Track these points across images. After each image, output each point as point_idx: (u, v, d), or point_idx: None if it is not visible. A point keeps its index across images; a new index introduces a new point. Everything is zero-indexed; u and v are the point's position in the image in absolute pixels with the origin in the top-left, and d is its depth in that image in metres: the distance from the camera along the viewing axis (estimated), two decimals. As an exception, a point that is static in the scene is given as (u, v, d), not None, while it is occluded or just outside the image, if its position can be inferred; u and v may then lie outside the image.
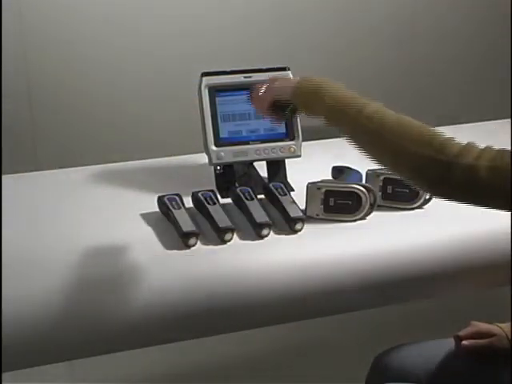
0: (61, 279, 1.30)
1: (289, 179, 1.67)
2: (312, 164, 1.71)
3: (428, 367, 1.44)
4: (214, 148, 1.61)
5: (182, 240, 1.40)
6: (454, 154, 1.07)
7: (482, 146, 1.09)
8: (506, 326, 1.46)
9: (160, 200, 1.52)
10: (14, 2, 2.36)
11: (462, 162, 1.06)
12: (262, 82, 1.40)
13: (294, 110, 1.37)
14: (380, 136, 1.15)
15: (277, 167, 1.68)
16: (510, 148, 1.08)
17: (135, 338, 1.30)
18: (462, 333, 1.46)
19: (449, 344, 1.47)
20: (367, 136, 1.17)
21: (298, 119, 1.66)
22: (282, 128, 1.66)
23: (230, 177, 1.65)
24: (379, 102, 1.21)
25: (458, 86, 3.01)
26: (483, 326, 1.46)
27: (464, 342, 1.44)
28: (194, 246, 1.41)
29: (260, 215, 1.45)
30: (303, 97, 1.29)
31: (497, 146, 1.09)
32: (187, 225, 1.43)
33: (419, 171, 1.11)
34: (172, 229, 1.46)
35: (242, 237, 1.44)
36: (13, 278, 1.27)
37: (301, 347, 2.39)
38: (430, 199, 1.52)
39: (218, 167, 1.66)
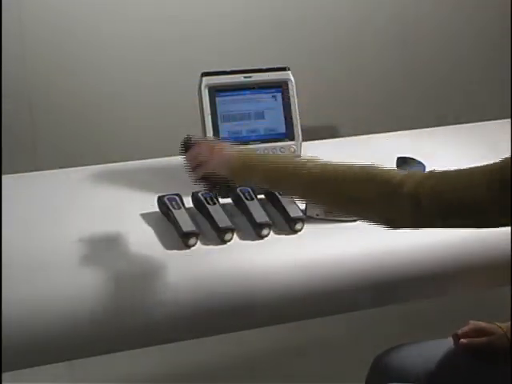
0: (60, 279, 1.30)
1: (289, 179, 1.67)
2: (312, 164, 1.71)
3: (428, 367, 1.44)
4: (214, 148, 1.61)
5: (182, 240, 1.40)
6: (397, 185, 1.11)
7: (426, 171, 1.13)
8: (504, 325, 1.46)
9: (160, 200, 1.52)
10: (14, 2, 2.36)
11: (404, 193, 1.09)
12: (200, 146, 1.36)
13: (230, 188, 1.36)
14: (324, 187, 1.18)
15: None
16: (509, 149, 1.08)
17: (135, 338, 1.30)
18: (460, 331, 1.46)
19: (448, 344, 1.47)
20: (313, 190, 1.20)
21: (298, 119, 1.66)
22: (281, 128, 1.66)
23: (230, 177, 1.65)
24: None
25: (458, 87, 3.01)
26: (482, 325, 1.47)
27: (462, 340, 1.44)
28: (193, 245, 1.41)
29: (260, 215, 1.45)
30: (240, 177, 1.29)
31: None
32: (187, 225, 1.43)
33: (372, 211, 1.15)
34: (172, 229, 1.46)
35: (242, 237, 1.44)
36: (13, 279, 1.27)
37: (301, 347, 2.39)
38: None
39: (218, 167, 1.66)
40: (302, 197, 1.23)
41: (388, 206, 1.13)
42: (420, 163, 1.69)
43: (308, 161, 1.19)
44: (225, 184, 1.33)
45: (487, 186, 1.07)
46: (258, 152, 1.30)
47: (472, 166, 1.10)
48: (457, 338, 1.46)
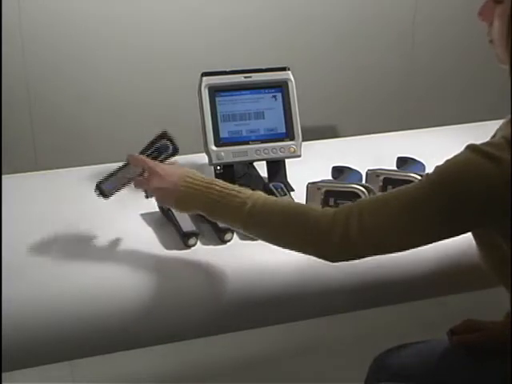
0: (60, 279, 1.30)
1: (289, 179, 1.67)
2: (312, 164, 1.71)
3: (427, 367, 1.44)
4: (213, 148, 1.61)
5: (182, 240, 1.40)
6: (325, 228, 1.17)
7: (352, 203, 1.20)
8: (500, 322, 1.46)
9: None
10: (14, 2, 2.36)
11: (336, 231, 1.16)
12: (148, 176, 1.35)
13: None
14: (261, 225, 1.23)
15: (277, 167, 1.68)
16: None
17: (135, 338, 1.30)
18: (455, 327, 1.47)
19: (448, 344, 1.47)
20: (252, 226, 1.24)
21: (298, 119, 1.66)
22: (281, 128, 1.66)
23: (230, 177, 1.65)
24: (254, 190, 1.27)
25: (458, 87, 3.01)
26: (475, 321, 1.47)
27: (457, 336, 1.44)
28: (193, 245, 1.41)
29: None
30: (183, 209, 1.31)
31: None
32: (187, 225, 1.43)
33: (309, 249, 1.21)
34: (172, 229, 1.46)
35: (242, 237, 1.44)
36: (13, 278, 1.27)
37: (301, 347, 2.39)
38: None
39: (218, 167, 1.66)
40: (243, 231, 1.27)
41: (321, 250, 1.20)
42: (420, 163, 1.69)
43: (248, 197, 1.23)
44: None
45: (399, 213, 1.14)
46: (197, 175, 1.31)
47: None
48: (451, 333, 1.46)
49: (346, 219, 1.16)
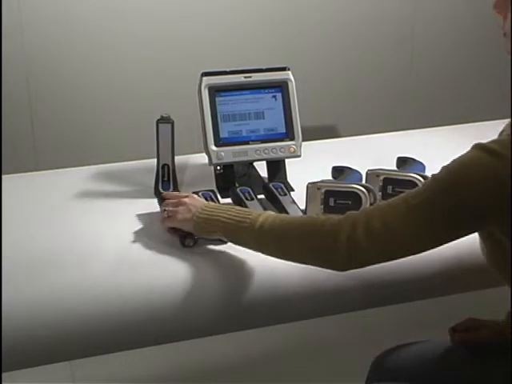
0: (60, 279, 1.30)
1: (289, 179, 1.67)
2: (312, 164, 1.71)
3: (428, 367, 1.44)
4: (213, 148, 1.61)
5: (181, 240, 1.40)
6: (333, 233, 1.18)
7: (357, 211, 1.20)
8: (501, 321, 1.46)
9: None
10: (14, 2, 2.36)
11: (342, 239, 1.16)
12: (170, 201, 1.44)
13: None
14: (272, 242, 1.26)
15: (277, 167, 1.68)
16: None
17: (136, 338, 1.30)
18: (456, 325, 1.47)
19: (448, 344, 1.47)
20: (264, 244, 1.28)
21: (298, 119, 1.66)
22: (281, 128, 1.66)
23: (230, 177, 1.65)
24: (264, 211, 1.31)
25: (459, 87, 3.01)
26: (478, 321, 1.47)
27: (458, 334, 1.45)
28: (193, 246, 1.41)
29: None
30: (202, 232, 1.36)
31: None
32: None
33: (315, 258, 1.23)
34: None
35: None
36: (13, 278, 1.27)
37: (301, 347, 2.39)
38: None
39: (218, 167, 1.66)
40: (256, 249, 1.30)
41: (329, 260, 1.21)
42: (420, 163, 1.69)
43: (260, 215, 1.27)
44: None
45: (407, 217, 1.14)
46: (216, 206, 1.37)
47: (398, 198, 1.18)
48: (453, 331, 1.46)
49: (352, 225, 1.16)
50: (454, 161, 1.15)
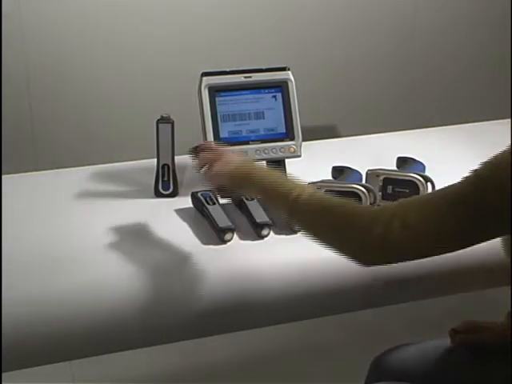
0: (60, 279, 1.30)
1: (289, 179, 1.67)
2: (312, 164, 1.71)
3: (428, 367, 1.44)
4: (214, 148, 1.61)
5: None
6: (366, 227, 1.13)
7: (394, 203, 1.15)
8: (501, 322, 1.46)
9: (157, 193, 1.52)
10: (14, 2, 2.36)
11: (375, 233, 1.12)
12: (206, 152, 1.40)
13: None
14: (304, 218, 1.23)
15: (277, 167, 1.68)
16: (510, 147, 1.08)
17: (136, 338, 1.30)
18: (456, 327, 1.47)
19: (448, 344, 1.47)
20: (295, 217, 1.25)
21: (298, 119, 1.66)
22: (281, 128, 1.66)
23: (230, 177, 1.65)
24: (304, 182, 1.27)
25: (459, 87, 3.01)
26: (478, 322, 1.47)
27: (459, 336, 1.45)
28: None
29: (260, 215, 1.45)
30: (237, 187, 1.34)
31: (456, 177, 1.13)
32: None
33: (345, 248, 1.18)
34: (172, 230, 1.46)
35: (242, 237, 1.44)
36: (13, 278, 1.27)
37: (301, 347, 2.39)
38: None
39: (218, 167, 1.66)
40: (287, 219, 1.30)
41: (359, 250, 1.17)
42: (420, 163, 1.69)
43: (298, 186, 1.24)
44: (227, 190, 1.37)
45: (451, 212, 1.10)
46: (258, 163, 1.36)
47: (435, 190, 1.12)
48: (453, 333, 1.46)
49: (389, 218, 1.12)
50: (496, 156, 1.10)
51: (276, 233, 1.45)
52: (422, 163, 1.70)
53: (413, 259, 1.16)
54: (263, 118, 1.65)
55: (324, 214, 1.20)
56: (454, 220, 1.10)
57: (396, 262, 1.17)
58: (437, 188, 1.41)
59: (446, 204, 1.11)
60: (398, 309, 1.59)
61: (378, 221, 1.13)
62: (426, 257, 1.16)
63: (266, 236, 1.43)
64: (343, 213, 1.18)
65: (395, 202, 1.16)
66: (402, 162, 1.73)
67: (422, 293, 1.47)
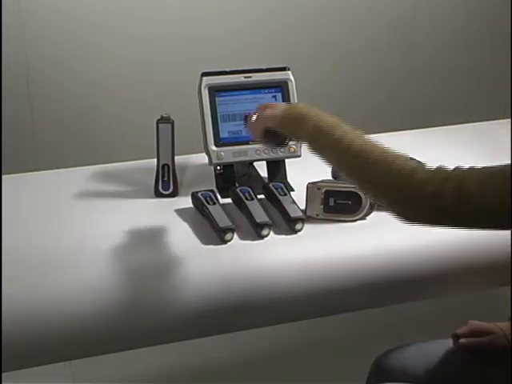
0: (60, 279, 1.30)
1: (289, 179, 1.67)
2: (312, 164, 1.71)
3: (428, 367, 1.44)
4: (213, 148, 1.61)
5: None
6: (420, 183, 1.09)
7: (451, 167, 1.10)
8: (503, 324, 1.46)
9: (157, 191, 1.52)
10: (14, 2, 2.36)
11: (427, 191, 1.07)
12: (254, 111, 1.40)
13: (289, 138, 1.38)
14: (354, 165, 1.18)
15: (277, 167, 1.68)
16: (509, 147, 1.07)
17: (136, 338, 1.30)
18: (459, 331, 1.47)
19: (449, 344, 1.47)
20: (345, 164, 1.20)
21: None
22: (281, 128, 1.65)
23: (230, 177, 1.65)
24: (358, 128, 1.22)
25: (458, 86, 3.01)
26: (481, 325, 1.47)
27: (462, 340, 1.44)
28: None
29: (260, 215, 1.45)
30: (288, 126, 1.30)
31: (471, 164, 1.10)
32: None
33: (392, 200, 1.13)
34: (172, 230, 1.46)
35: (242, 237, 1.44)
36: (13, 278, 1.27)
37: (301, 347, 2.39)
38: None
39: (218, 167, 1.66)
40: (335, 167, 1.24)
41: (407, 205, 1.11)
42: (420, 163, 1.69)
43: (349, 133, 1.20)
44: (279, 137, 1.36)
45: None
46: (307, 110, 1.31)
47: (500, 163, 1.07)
48: (456, 337, 1.46)
49: (442, 182, 1.07)
50: None
51: (276, 233, 1.45)
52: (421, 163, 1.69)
53: (459, 227, 1.11)
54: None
55: (374, 172, 1.15)
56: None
57: (439, 225, 1.12)
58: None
59: (508, 180, 1.04)
60: (398, 309, 1.59)
61: (430, 183, 1.08)
62: (473, 228, 1.11)
63: (266, 236, 1.43)
64: (396, 173, 1.13)
65: (451, 167, 1.11)
66: (402, 161, 1.72)
67: (422, 293, 1.47)
